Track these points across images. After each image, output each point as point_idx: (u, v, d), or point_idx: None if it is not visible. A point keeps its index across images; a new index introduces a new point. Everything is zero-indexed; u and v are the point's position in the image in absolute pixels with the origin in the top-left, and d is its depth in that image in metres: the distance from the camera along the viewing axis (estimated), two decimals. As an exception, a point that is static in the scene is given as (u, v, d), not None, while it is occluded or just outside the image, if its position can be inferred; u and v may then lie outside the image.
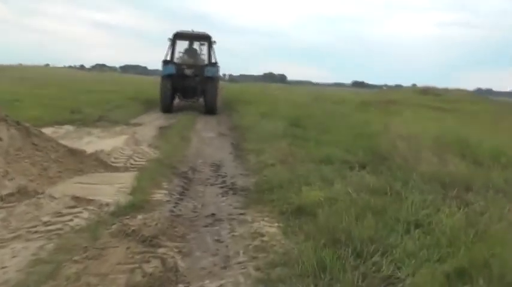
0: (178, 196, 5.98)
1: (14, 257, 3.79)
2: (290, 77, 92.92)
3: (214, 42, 19.05)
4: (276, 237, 4.51)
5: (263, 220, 5.08)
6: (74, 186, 5.89)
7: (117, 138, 10.24)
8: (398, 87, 53.91)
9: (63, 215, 4.78)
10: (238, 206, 5.67)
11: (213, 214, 5.32)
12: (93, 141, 9.65)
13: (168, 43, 18.49)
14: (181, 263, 3.88)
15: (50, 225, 4.50)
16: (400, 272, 3.51)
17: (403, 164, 6.94)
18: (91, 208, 5.08)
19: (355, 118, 13.45)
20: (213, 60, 18.91)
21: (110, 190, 5.86)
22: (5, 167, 5.61)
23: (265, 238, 4.49)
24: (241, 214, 5.35)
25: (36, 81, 25.95)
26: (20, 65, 65.46)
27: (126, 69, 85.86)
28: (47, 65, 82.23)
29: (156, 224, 4.59)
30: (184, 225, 4.82)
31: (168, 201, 5.65)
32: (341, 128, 10.99)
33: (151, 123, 14.16)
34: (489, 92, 67.35)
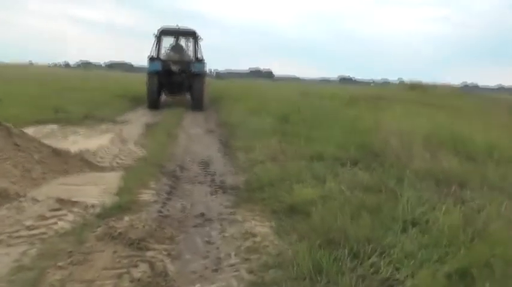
0: (166, 196, 5.81)
1: (-6, 264, 3.60)
2: (277, 73, 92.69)
3: (200, 38, 19.01)
4: (268, 237, 4.37)
5: (254, 219, 4.94)
6: (58, 187, 5.69)
7: (102, 137, 10.02)
8: (385, 82, 54.12)
9: (46, 219, 4.58)
10: (228, 205, 5.51)
11: (202, 214, 5.15)
12: (78, 141, 9.41)
13: (154, 39, 18.41)
14: (170, 267, 3.72)
15: (33, 229, 4.30)
16: (399, 273, 3.39)
17: (396, 161, 6.83)
18: (76, 210, 4.90)
19: (344, 114, 13.32)
20: (199, 56, 18.96)
21: (96, 190, 5.67)
22: (-15, 168, 5.41)
23: (257, 239, 4.34)
24: (232, 213, 5.20)
25: (19, 80, 25.53)
26: (1, 63, 64.59)
27: (112, 66, 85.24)
28: (30, 62, 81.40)
29: (144, 226, 4.43)
30: (172, 226, 4.66)
31: (155, 201, 5.48)
32: (331, 124, 10.85)
33: (138, 120, 13.97)
34: (475, 87, 67.81)
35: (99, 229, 4.33)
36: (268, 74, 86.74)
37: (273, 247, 4.12)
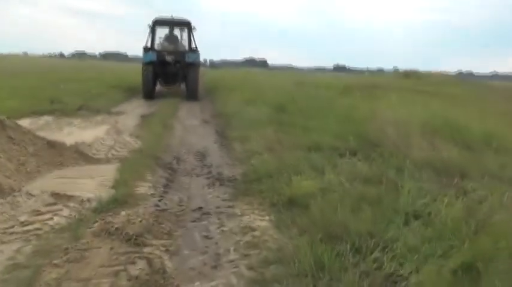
0: (163, 189, 5.74)
1: (-12, 262, 3.51)
2: (271, 61, 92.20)
3: (194, 28, 18.91)
4: (268, 231, 4.30)
5: (253, 213, 4.86)
6: (53, 181, 5.61)
7: (98, 129, 9.95)
8: (380, 70, 53.99)
9: (42, 214, 4.50)
10: (226, 198, 5.44)
11: (200, 208, 5.08)
12: (74, 132, 9.33)
13: (148, 30, 18.31)
14: (168, 264, 3.65)
15: (27, 225, 4.22)
16: (403, 269, 3.33)
17: (394, 151, 6.75)
18: (71, 204, 4.81)
19: (340, 103, 13.19)
20: (194, 46, 18.91)
21: (91, 184, 5.59)
22: (-22, 163, 5.31)
23: (256, 233, 4.27)
24: (230, 206, 5.12)
25: (13, 70, 25.27)
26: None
27: (107, 56, 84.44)
28: (25, 53, 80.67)
29: (141, 221, 4.35)
30: (170, 221, 4.57)
31: (152, 194, 5.41)
32: (327, 113, 10.72)
33: (133, 111, 13.84)
34: (470, 75, 67.70)
35: (95, 225, 4.26)
36: (263, 63, 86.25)
37: (272, 241, 4.05)
